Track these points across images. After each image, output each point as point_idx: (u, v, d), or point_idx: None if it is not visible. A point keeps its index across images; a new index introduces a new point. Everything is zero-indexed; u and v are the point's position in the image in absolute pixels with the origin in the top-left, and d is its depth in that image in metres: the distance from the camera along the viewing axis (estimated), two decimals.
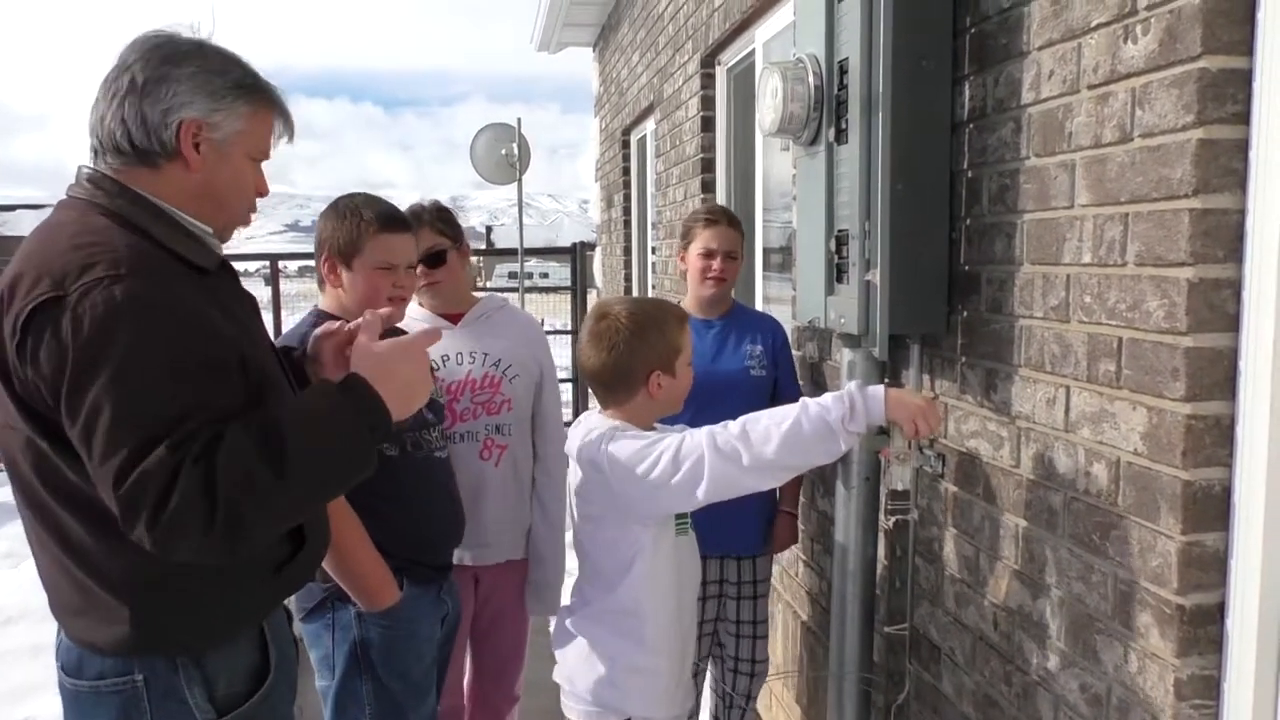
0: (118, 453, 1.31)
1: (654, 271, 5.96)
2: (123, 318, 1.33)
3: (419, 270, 2.55)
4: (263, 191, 1.65)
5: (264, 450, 1.34)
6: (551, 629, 2.25)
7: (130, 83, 1.47)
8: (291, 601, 2.17)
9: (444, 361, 2.67)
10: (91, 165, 1.52)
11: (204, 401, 1.36)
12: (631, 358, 2.01)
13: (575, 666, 2.08)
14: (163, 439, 1.31)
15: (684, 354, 2.07)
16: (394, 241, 2.27)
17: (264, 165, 1.67)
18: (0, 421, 1.45)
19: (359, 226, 2.23)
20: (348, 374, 1.48)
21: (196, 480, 1.30)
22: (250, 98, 1.55)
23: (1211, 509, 1.44)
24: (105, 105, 1.49)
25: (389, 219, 2.26)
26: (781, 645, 3.44)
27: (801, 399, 1.89)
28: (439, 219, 2.68)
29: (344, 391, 1.45)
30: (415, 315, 2.77)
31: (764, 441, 1.82)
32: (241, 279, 1.73)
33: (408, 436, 2.27)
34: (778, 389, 2.86)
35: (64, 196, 1.54)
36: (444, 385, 2.65)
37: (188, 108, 1.48)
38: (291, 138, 1.67)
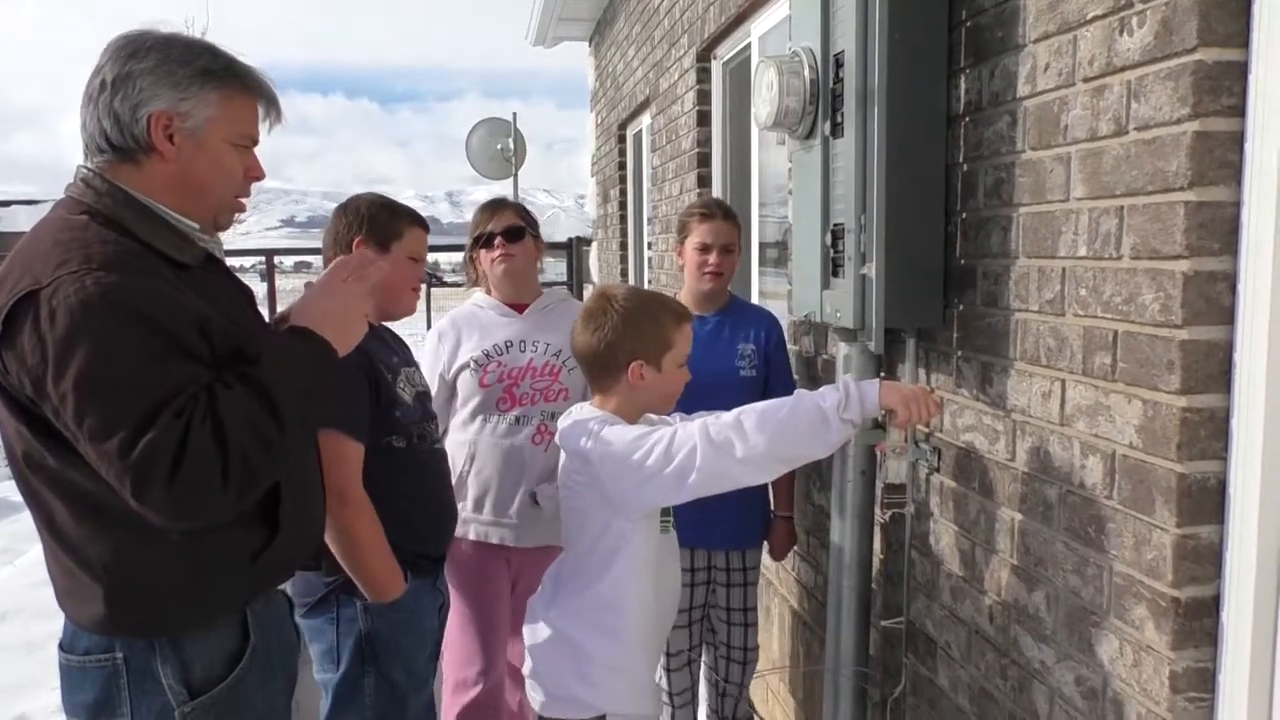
0: (120, 427, 1.37)
1: (650, 266, 5.95)
2: (95, 305, 1.38)
3: (498, 243, 2.86)
4: (256, 175, 1.68)
5: (256, 397, 1.45)
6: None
7: (100, 84, 1.53)
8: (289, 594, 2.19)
9: (507, 347, 2.85)
10: (86, 164, 1.57)
11: (193, 374, 1.44)
12: (616, 343, 1.99)
13: (549, 659, 2.06)
14: (162, 408, 1.38)
15: (675, 351, 2.03)
16: (423, 237, 2.43)
17: (262, 158, 1.68)
18: None
19: (394, 216, 2.38)
20: (287, 325, 1.61)
21: (207, 436, 1.39)
22: (219, 83, 1.57)
23: (1206, 502, 1.45)
24: (85, 109, 1.55)
25: (418, 216, 2.44)
26: (778, 639, 3.44)
27: (796, 390, 1.88)
28: (521, 209, 3.00)
29: (293, 336, 1.59)
30: (482, 303, 2.95)
31: (758, 432, 1.80)
32: (237, 274, 1.75)
33: (414, 429, 2.30)
34: (768, 388, 2.82)
35: (62, 195, 1.59)
36: (506, 369, 2.82)
37: (154, 100, 1.52)
38: (279, 119, 1.69)
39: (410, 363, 2.43)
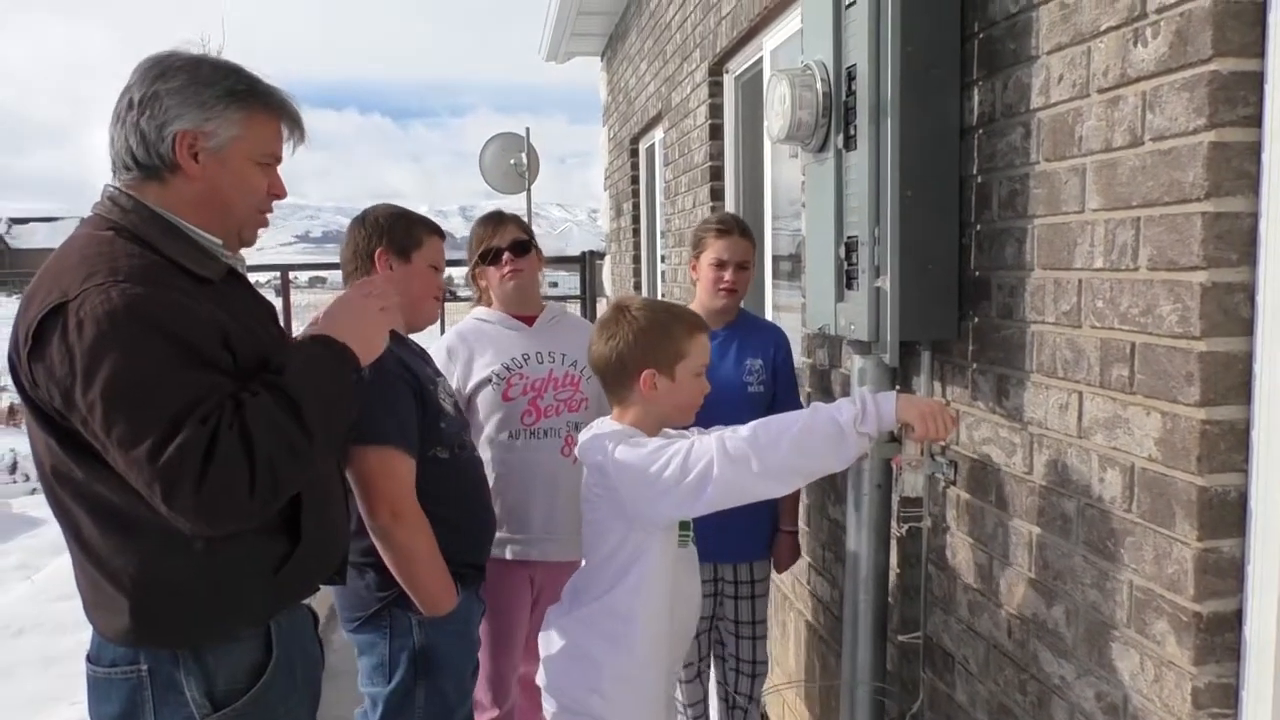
0: (148, 433, 1.40)
1: (663, 280, 5.96)
2: (121, 316, 1.42)
3: (506, 258, 2.83)
4: (279, 193, 1.71)
5: (282, 405, 1.48)
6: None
7: (129, 103, 1.57)
8: (324, 606, 2.21)
9: (525, 360, 2.82)
10: (113, 183, 1.62)
11: (217, 383, 1.47)
12: (628, 352, 2.01)
13: (561, 671, 2.06)
14: (189, 415, 1.41)
15: (689, 361, 2.04)
16: (441, 246, 2.45)
17: (280, 171, 1.72)
18: (27, 423, 1.56)
19: (412, 225, 2.38)
20: (312, 335, 1.64)
21: (235, 442, 1.42)
22: (243, 104, 1.61)
23: (1227, 515, 1.43)
24: (113, 127, 1.59)
25: (434, 225, 2.46)
26: (794, 653, 3.42)
27: (813, 403, 1.87)
28: (519, 221, 2.96)
29: (316, 344, 1.61)
30: (488, 317, 2.92)
31: (774, 445, 1.80)
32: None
33: (455, 439, 2.31)
34: (775, 403, 2.81)
35: (89, 213, 1.63)
36: (529, 382, 2.80)
37: (180, 120, 1.56)
38: (302, 139, 1.73)
39: (439, 373, 2.44)
